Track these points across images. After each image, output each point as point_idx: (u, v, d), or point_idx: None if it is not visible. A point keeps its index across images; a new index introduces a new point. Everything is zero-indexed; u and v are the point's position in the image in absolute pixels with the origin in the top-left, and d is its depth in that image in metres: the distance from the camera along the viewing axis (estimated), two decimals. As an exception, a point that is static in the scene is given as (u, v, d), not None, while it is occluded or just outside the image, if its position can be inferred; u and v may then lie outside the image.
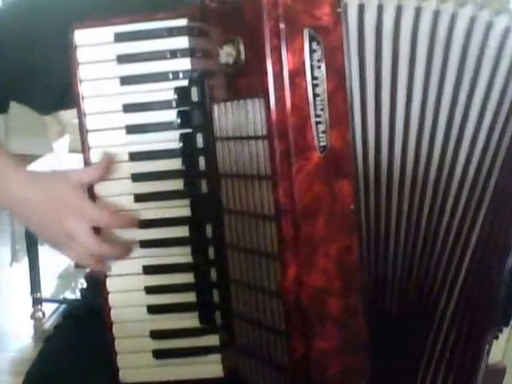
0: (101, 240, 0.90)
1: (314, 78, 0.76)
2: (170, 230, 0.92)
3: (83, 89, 0.91)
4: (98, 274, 0.95)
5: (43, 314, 2.62)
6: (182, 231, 0.92)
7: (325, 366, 0.81)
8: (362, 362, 0.82)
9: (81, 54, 0.90)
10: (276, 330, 0.82)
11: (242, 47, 0.78)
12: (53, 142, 2.90)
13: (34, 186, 0.92)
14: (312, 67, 0.76)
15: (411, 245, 0.88)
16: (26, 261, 2.61)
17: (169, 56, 0.89)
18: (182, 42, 0.89)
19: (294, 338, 0.80)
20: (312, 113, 0.77)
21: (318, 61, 0.76)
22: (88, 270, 1.15)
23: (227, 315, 0.90)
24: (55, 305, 2.68)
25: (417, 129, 0.85)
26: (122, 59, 0.90)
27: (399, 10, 0.82)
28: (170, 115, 0.90)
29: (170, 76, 0.90)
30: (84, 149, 0.92)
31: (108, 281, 0.94)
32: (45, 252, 2.50)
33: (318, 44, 0.76)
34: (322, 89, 0.77)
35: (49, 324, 2.59)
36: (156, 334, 0.95)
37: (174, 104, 0.89)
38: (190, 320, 0.93)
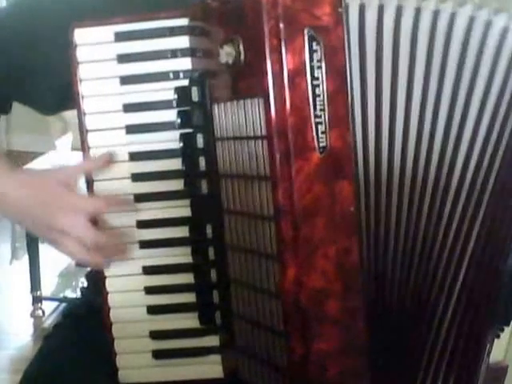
0: (100, 231, 0.90)
1: (314, 78, 0.76)
2: (170, 231, 0.92)
3: (83, 88, 0.91)
4: (99, 272, 0.95)
5: (43, 312, 2.61)
6: (182, 231, 0.92)
7: (324, 367, 0.81)
8: (361, 363, 0.82)
9: (81, 53, 0.90)
10: (275, 330, 0.82)
11: (241, 47, 0.78)
12: (55, 139, 2.90)
13: (21, 186, 0.91)
14: (312, 67, 0.76)
15: (411, 245, 0.88)
16: (26, 259, 2.60)
17: (169, 55, 0.89)
18: (183, 42, 0.89)
19: (293, 338, 0.80)
20: (312, 113, 0.76)
21: (318, 61, 0.76)
22: (89, 268, 1.14)
23: (227, 316, 0.90)
24: (55, 303, 2.67)
25: (416, 128, 0.85)
26: (123, 59, 0.90)
27: (399, 10, 0.82)
28: (170, 115, 0.90)
29: (171, 76, 0.90)
30: (84, 148, 0.92)
31: (107, 281, 0.94)
32: (45, 250, 2.49)
33: (318, 44, 0.76)
34: (322, 89, 0.76)
35: (48, 322, 2.58)
36: (156, 335, 0.95)
37: (174, 104, 0.89)
38: (190, 320, 0.93)
